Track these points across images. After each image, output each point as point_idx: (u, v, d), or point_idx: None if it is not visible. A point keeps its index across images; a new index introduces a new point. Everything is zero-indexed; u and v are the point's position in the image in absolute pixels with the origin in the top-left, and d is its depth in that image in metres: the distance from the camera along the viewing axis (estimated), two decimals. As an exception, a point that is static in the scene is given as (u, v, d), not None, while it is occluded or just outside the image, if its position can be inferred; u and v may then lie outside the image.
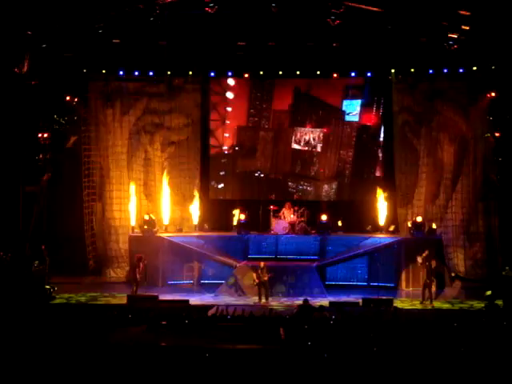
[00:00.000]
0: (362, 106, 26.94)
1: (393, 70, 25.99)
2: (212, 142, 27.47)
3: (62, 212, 25.99)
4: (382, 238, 24.84)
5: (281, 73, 26.20)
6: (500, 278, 21.95)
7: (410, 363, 12.82)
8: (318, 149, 27.18)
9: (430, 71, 25.48)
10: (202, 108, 27.06)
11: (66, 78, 25.11)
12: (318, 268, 23.72)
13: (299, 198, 26.89)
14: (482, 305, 20.12)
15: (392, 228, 25.62)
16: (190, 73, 26.40)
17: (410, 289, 23.91)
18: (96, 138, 26.19)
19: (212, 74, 26.80)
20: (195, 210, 26.20)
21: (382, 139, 26.95)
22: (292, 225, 25.29)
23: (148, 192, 26.56)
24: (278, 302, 21.91)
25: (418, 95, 25.85)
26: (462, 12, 21.41)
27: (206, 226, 26.38)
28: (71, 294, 22.73)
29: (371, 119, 27.05)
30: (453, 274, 24.91)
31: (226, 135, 27.47)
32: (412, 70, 25.60)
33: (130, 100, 26.32)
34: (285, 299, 22.38)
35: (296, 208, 25.64)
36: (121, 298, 21.88)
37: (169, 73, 26.20)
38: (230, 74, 26.74)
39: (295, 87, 27.04)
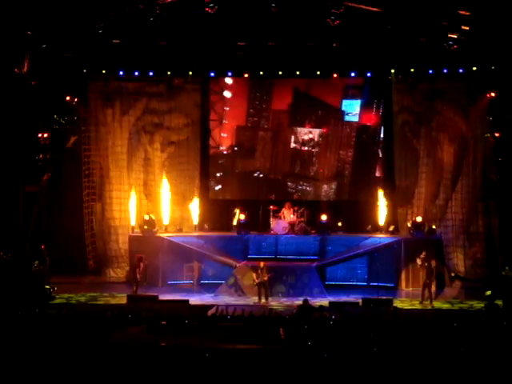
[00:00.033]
0: (362, 106, 26.93)
1: (393, 70, 26.02)
2: (210, 142, 27.47)
3: (62, 212, 26.00)
4: (382, 238, 24.84)
5: (281, 73, 26.20)
6: (500, 277, 21.96)
7: (409, 363, 12.82)
8: (318, 149, 27.18)
9: (430, 71, 25.48)
10: (201, 108, 27.07)
11: (65, 78, 25.10)
12: (317, 268, 23.72)
13: (299, 198, 26.90)
14: (482, 305, 20.11)
15: (392, 228, 25.63)
16: (190, 73, 26.41)
17: (410, 289, 23.91)
18: (96, 138, 26.19)
19: (212, 74, 26.80)
20: (195, 209, 26.19)
21: (381, 139, 26.95)
22: (292, 225, 25.30)
23: (148, 192, 26.57)
24: (277, 302, 21.91)
25: (417, 95, 25.86)
26: (461, 12, 21.41)
27: (206, 226, 26.39)
28: (71, 293, 22.73)
29: (371, 119, 27.05)
30: (452, 274, 24.92)
31: (224, 135, 27.42)
32: (412, 70, 25.61)
33: (130, 100, 26.32)
34: (284, 299, 22.38)
35: (296, 208, 25.65)
36: (120, 298, 21.91)
37: (169, 73, 26.20)
38: (229, 74, 26.73)
39: (294, 87, 27.03)
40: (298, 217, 25.50)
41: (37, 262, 22.39)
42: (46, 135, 25.46)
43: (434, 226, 24.86)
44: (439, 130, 25.72)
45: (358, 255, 24.52)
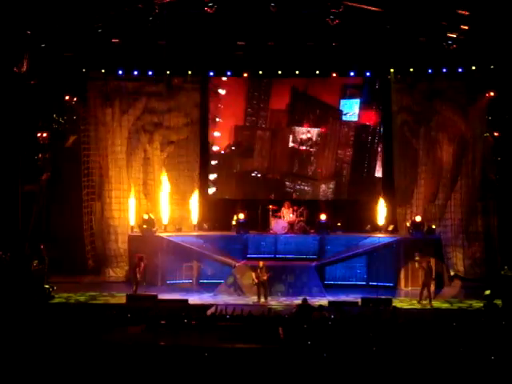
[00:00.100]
0: (361, 105, 26.92)
1: (392, 70, 26.02)
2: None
3: (62, 211, 26.01)
4: (381, 238, 24.84)
5: (280, 72, 26.18)
6: (499, 277, 22.00)
7: (409, 363, 12.82)
8: (316, 148, 27.16)
9: (429, 71, 25.47)
10: (201, 107, 27.06)
11: (65, 78, 25.07)
12: (317, 267, 23.75)
13: (297, 198, 26.89)
14: (481, 304, 20.14)
15: (391, 228, 25.64)
16: (190, 72, 26.38)
17: (409, 288, 23.90)
18: (95, 138, 26.18)
19: (211, 73, 26.78)
20: (194, 206, 26.19)
21: (381, 139, 26.94)
22: (291, 224, 25.31)
23: (147, 191, 26.57)
24: (277, 302, 21.93)
25: (417, 95, 25.86)
26: (461, 12, 21.41)
27: (205, 226, 26.37)
28: (70, 293, 22.74)
29: (370, 119, 27.03)
30: (452, 274, 24.92)
31: (217, 135, 27.31)
32: (411, 69, 25.57)
33: (130, 99, 26.28)
34: (284, 299, 22.41)
35: (295, 208, 25.66)
36: (120, 298, 21.91)
37: (168, 72, 26.16)
38: (229, 73, 26.69)
39: (293, 87, 26.99)
40: (297, 216, 25.52)
41: (36, 261, 22.41)
42: (45, 134, 25.44)
43: (433, 226, 24.86)
44: (438, 129, 25.72)
45: (357, 255, 24.54)
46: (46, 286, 21.82)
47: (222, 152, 27.41)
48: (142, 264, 22.74)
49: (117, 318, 16.60)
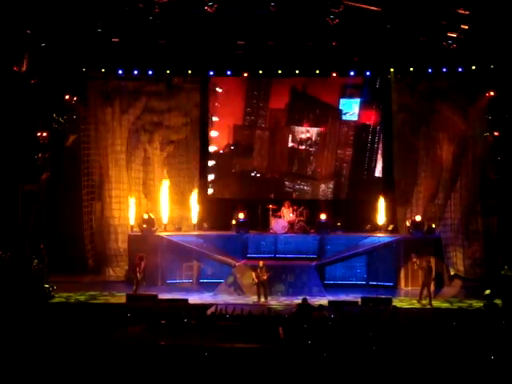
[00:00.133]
0: (361, 104, 26.92)
1: (392, 70, 26.03)
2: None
3: (61, 211, 25.98)
4: (381, 237, 24.85)
5: (280, 72, 26.17)
6: (499, 277, 21.98)
7: (408, 362, 12.83)
8: (315, 148, 27.16)
9: (429, 70, 25.46)
10: (201, 107, 27.07)
11: (65, 77, 25.05)
12: (317, 267, 23.75)
13: (297, 198, 26.89)
14: (481, 304, 20.12)
15: (391, 227, 25.66)
16: (190, 72, 26.38)
17: (409, 288, 23.92)
18: (95, 137, 26.19)
19: (211, 73, 26.77)
20: (194, 206, 26.19)
21: (381, 138, 26.93)
22: (291, 224, 25.31)
23: (147, 191, 26.58)
24: (277, 301, 21.93)
25: (417, 94, 25.84)
26: (461, 11, 21.38)
27: (205, 225, 26.39)
28: (70, 292, 22.74)
29: (370, 118, 27.04)
30: (452, 273, 24.92)
31: (215, 134, 27.33)
32: (411, 69, 25.55)
33: (130, 99, 26.30)
34: (284, 298, 22.41)
35: (295, 207, 25.66)
36: (120, 297, 21.90)
37: (168, 72, 26.14)
38: (228, 73, 26.68)
39: (292, 86, 27.00)
40: (297, 216, 25.52)
41: (36, 260, 22.39)
42: (45, 134, 25.40)
43: (433, 225, 24.86)
44: (438, 129, 25.71)
45: (357, 254, 24.54)
46: (46, 286, 21.83)
47: (222, 152, 27.41)
48: (142, 263, 22.75)
49: (117, 318, 16.60)
